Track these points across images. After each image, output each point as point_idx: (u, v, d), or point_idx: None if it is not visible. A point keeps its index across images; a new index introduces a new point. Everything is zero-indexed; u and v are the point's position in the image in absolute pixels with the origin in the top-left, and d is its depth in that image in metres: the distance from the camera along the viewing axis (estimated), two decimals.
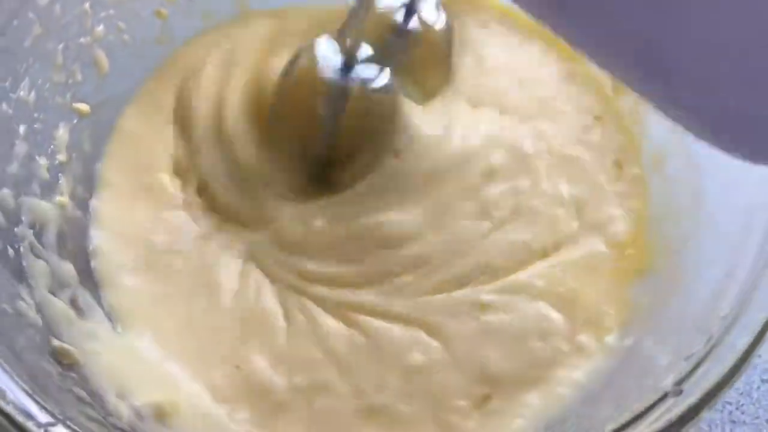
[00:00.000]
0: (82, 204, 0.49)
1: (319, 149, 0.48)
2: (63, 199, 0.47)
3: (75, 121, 0.48)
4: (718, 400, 0.33)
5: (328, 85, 0.45)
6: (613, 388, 0.40)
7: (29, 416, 0.34)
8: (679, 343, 0.36)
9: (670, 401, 0.33)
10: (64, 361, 0.41)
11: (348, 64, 0.45)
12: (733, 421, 0.45)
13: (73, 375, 0.40)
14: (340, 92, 0.45)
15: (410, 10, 0.46)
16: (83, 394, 0.40)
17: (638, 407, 0.34)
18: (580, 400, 0.40)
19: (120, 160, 0.51)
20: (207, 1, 0.55)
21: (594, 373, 0.42)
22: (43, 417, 0.34)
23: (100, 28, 0.49)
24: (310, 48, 0.46)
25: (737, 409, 0.46)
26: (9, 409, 0.34)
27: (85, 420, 0.37)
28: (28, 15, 0.44)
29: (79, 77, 0.48)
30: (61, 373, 0.40)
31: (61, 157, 0.47)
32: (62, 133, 0.47)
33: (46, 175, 0.46)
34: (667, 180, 0.47)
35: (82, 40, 0.48)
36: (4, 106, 0.43)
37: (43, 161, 0.46)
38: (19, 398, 0.34)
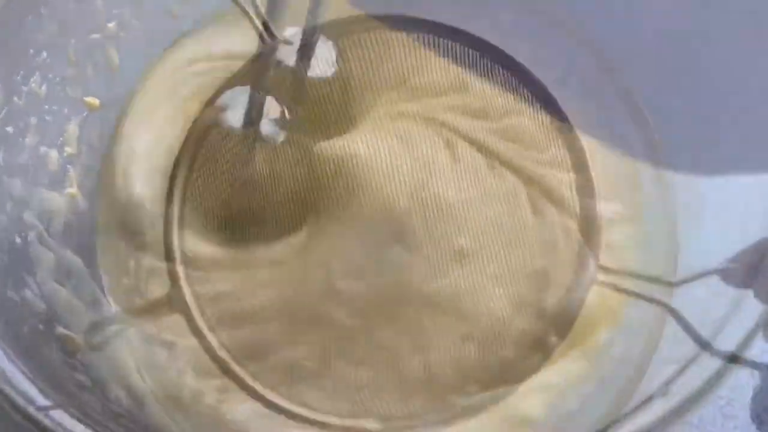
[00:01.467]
0: (90, 196, 0.50)
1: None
2: (72, 190, 0.48)
3: (85, 114, 0.49)
4: (704, 403, 0.33)
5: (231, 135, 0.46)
6: (604, 392, 0.40)
7: (29, 399, 0.35)
8: (668, 346, 0.37)
9: (655, 403, 0.34)
10: (68, 348, 0.42)
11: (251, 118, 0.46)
12: (725, 416, 0.45)
13: (76, 362, 0.41)
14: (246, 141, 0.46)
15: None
16: (85, 380, 0.40)
17: (625, 409, 0.34)
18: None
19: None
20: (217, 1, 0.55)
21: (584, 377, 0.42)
22: (42, 400, 0.35)
23: (112, 24, 0.50)
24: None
25: (728, 404, 0.46)
26: (9, 390, 0.35)
27: (85, 406, 0.38)
28: (40, 11, 0.45)
29: (90, 72, 0.49)
30: (64, 360, 0.41)
31: (71, 149, 0.48)
32: (72, 126, 0.48)
33: (55, 166, 0.47)
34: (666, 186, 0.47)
35: (94, 36, 0.49)
36: (15, 98, 0.45)
37: (53, 153, 0.47)
38: (21, 381, 0.35)
